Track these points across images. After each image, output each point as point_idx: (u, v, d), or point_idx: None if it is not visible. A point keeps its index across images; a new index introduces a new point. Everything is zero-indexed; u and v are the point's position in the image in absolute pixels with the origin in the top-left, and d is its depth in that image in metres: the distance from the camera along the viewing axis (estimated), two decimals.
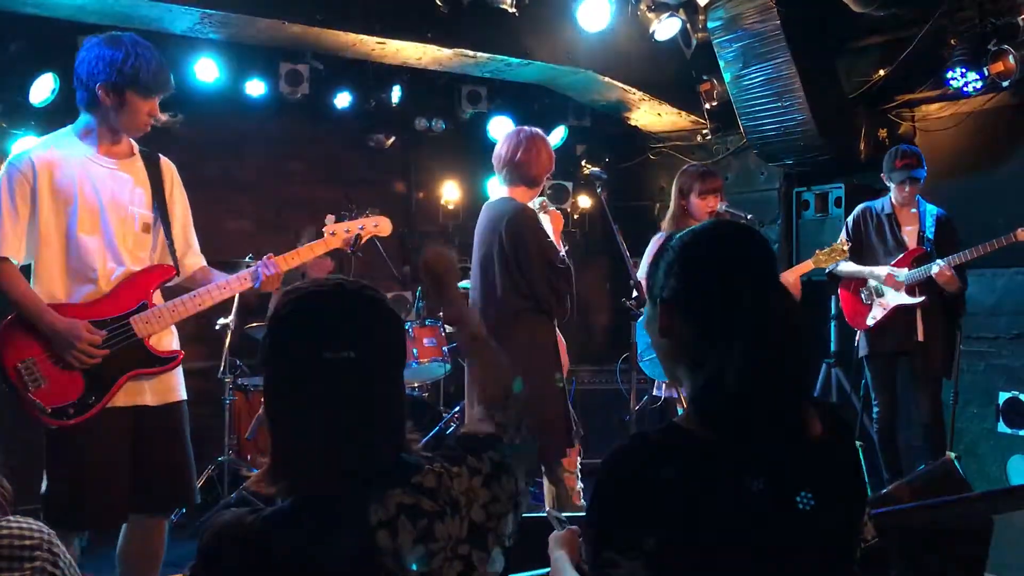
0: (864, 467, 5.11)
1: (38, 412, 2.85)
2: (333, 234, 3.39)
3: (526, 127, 4.02)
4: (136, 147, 3.14)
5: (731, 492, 1.43)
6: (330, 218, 3.44)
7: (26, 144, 3.05)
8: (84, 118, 3.04)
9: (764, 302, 1.48)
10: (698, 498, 1.42)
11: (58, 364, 2.88)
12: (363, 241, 3.46)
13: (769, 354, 1.46)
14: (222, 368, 5.23)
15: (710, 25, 5.74)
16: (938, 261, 4.73)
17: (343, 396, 1.52)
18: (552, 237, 3.86)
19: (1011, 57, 4.94)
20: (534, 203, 3.93)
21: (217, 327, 5.19)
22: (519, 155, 3.87)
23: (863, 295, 5.06)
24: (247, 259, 5.25)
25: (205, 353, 5.66)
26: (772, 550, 1.45)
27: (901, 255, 4.96)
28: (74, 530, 2.98)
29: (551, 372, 3.79)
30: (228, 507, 1.55)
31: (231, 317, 5.21)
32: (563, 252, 3.83)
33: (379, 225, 3.49)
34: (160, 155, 3.21)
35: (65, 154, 2.98)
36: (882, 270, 4.99)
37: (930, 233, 4.90)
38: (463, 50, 5.77)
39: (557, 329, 3.93)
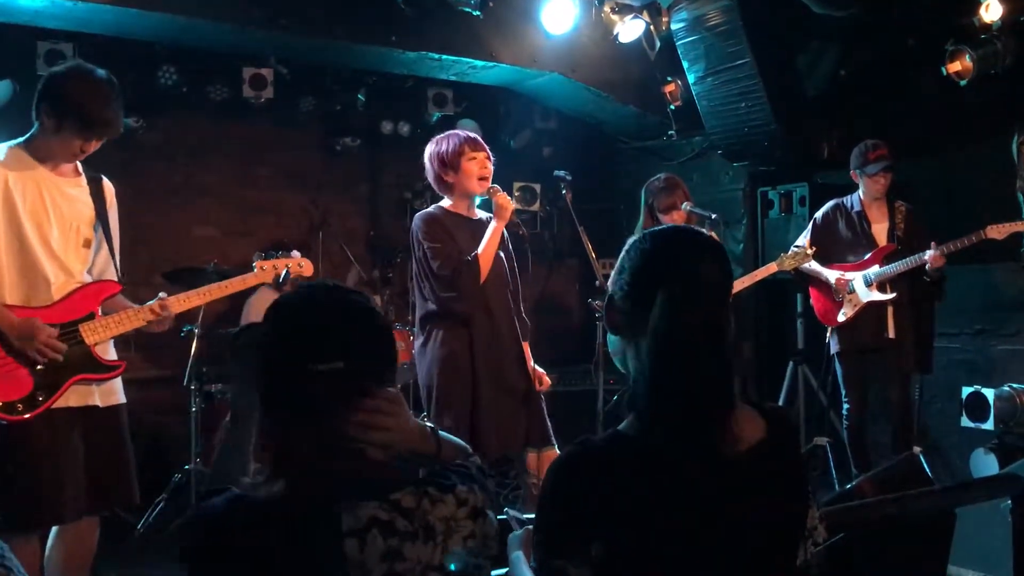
0: (832, 464, 5.23)
1: None
2: (263, 269, 3.59)
3: None
4: (80, 167, 3.21)
5: (672, 496, 1.45)
6: (258, 255, 3.70)
7: None
8: (33, 131, 3.08)
9: (680, 307, 1.50)
10: (641, 503, 1.44)
11: (9, 363, 2.94)
12: (292, 277, 3.72)
13: (677, 359, 1.48)
14: (187, 376, 5.17)
15: (673, 27, 5.78)
16: (933, 247, 4.74)
17: (335, 406, 1.52)
18: (495, 223, 3.80)
19: (968, 56, 5.01)
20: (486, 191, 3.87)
21: (182, 334, 5.14)
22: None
23: (834, 292, 5.11)
24: (211, 265, 5.22)
25: (171, 361, 5.60)
26: (715, 553, 1.47)
27: (871, 253, 5.02)
28: (35, 528, 3.03)
29: (454, 377, 3.76)
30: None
31: (197, 324, 5.16)
32: (469, 255, 3.75)
33: (303, 266, 3.71)
34: (103, 177, 3.28)
35: (20, 163, 3.03)
36: (832, 275, 5.06)
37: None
38: (428, 53, 5.77)
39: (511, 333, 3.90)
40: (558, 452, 3.90)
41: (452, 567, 1.49)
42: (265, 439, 1.58)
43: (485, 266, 3.76)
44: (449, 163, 3.82)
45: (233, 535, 1.45)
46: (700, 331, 1.50)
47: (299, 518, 1.46)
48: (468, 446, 1.77)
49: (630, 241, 1.66)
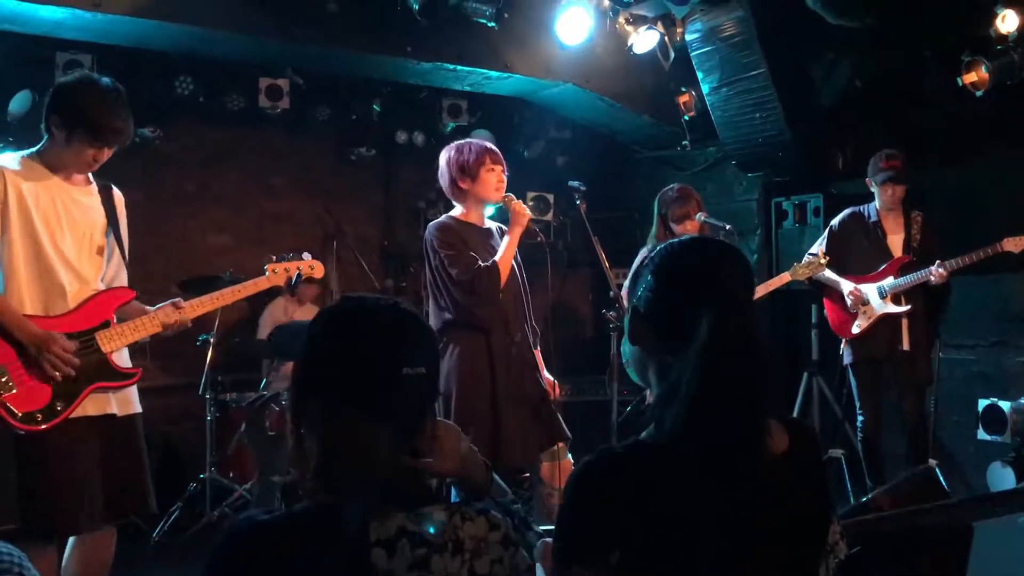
0: (847, 476, 5.19)
1: (9, 416, 2.89)
2: (275, 272, 3.58)
3: None
4: (91, 176, 3.22)
5: (693, 506, 1.44)
6: (270, 257, 3.67)
7: (2, 159, 3.07)
8: (45, 142, 3.09)
9: (723, 318, 1.50)
10: (661, 513, 1.43)
11: (28, 373, 2.94)
12: (303, 279, 3.71)
13: (723, 369, 1.47)
14: (203, 384, 5.19)
15: (688, 37, 5.78)
16: (937, 265, 4.72)
17: (408, 408, 1.56)
18: (512, 230, 3.82)
19: (984, 67, 4.98)
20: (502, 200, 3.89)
21: (198, 343, 5.15)
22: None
23: (848, 303, 5.08)
24: (226, 274, 5.24)
25: (186, 369, 5.62)
26: (736, 565, 1.46)
27: (886, 264, 4.98)
28: (53, 537, 3.02)
29: (474, 388, 3.75)
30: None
31: (212, 332, 5.18)
32: (481, 263, 3.75)
33: (314, 268, 3.70)
34: (112, 186, 3.29)
35: (33, 173, 3.04)
36: (847, 286, 5.03)
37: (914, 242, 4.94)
38: (443, 63, 5.79)
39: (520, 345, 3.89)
40: (571, 459, 3.91)
41: (431, 531, 1.48)
42: (312, 445, 1.57)
43: (504, 272, 3.77)
44: (468, 171, 3.83)
45: (262, 547, 1.45)
46: (740, 338, 1.51)
47: (329, 528, 1.46)
48: (508, 490, 1.79)
49: (646, 251, 1.67)
